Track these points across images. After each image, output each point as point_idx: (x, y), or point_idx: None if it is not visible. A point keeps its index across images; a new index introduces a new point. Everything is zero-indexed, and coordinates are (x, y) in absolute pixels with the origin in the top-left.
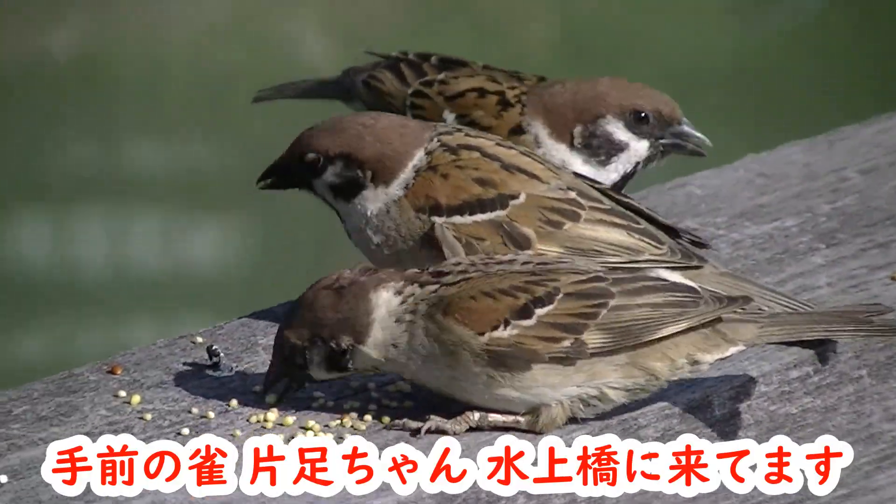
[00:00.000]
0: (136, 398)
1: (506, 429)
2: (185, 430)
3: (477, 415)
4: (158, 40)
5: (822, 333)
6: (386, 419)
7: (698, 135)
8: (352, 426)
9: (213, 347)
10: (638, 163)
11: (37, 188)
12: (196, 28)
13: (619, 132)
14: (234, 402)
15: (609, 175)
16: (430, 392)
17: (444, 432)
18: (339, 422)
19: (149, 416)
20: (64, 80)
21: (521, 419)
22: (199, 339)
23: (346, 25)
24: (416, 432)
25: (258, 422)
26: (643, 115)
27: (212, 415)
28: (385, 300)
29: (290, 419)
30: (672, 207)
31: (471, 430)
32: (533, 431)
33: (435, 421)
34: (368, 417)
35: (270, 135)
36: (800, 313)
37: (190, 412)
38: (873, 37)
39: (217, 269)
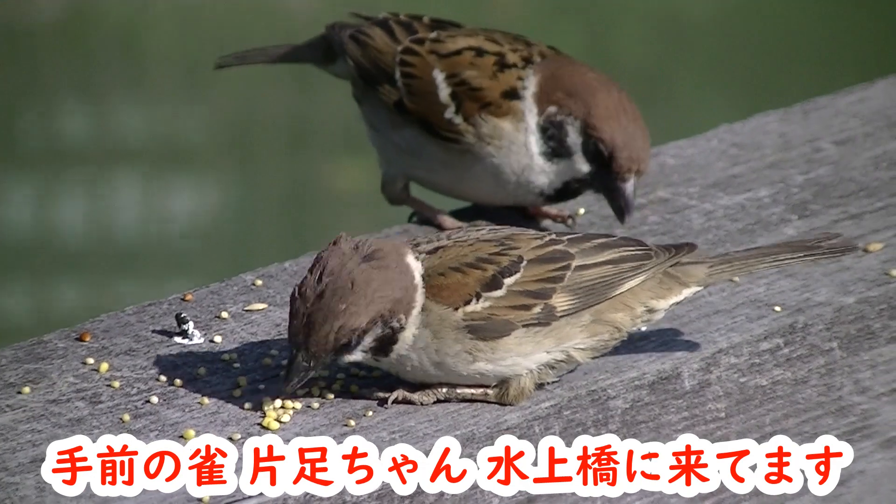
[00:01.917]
0: (104, 365)
1: (474, 401)
2: (154, 399)
3: (445, 388)
4: (141, 2)
5: (772, 264)
6: (354, 388)
7: (630, 200)
8: (320, 395)
9: (182, 315)
10: (574, 179)
11: (17, 149)
12: None
13: (572, 141)
14: (202, 370)
15: (548, 175)
16: None
17: (411, 402)
18: (306, 390)
19: (117, 384)
20: (45, 42)
21: (490, 391)
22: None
23: None
24: (383, 402)
25: (226, 390)
26: (600, 149)
27: (179, 383)
28: (416, 267)
29: (259, 388)
30: (645, 177)
31: (438, 401)
32: (501, 403)
33: (402, 391)
34: (336, 387)
35: (251, 98)
36: (747, 248)
37: (158, 380)
38: (854, 5)
39: (195, 234)
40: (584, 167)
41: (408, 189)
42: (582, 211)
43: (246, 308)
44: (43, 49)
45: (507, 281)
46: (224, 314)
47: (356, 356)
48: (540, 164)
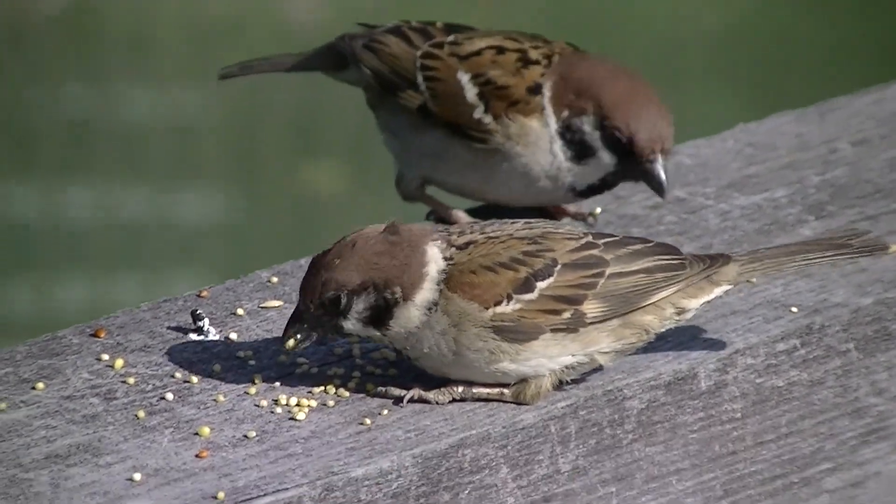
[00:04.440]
0: (119, 362)
1: (489, 400)
2: (169, 395)
3: (461, 387)
4: None
5: (802, 263)
6: (370, 387)
7: (662, 179)
8: (335, 393)
9: (198, 312)
10: (608, 174)
11: (24, 142)
12: None
13: (592, 138)
14: (217, 367)
15: (576, 175)
16: None
17: (426, 402)
18: (322, 388)
19: (132, 381)
20: (51, 35)
21: (507, 391)
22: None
23: None
24: (398, 401)
25: (242, 387)
26: (617, 137)
27: (195, 380)
28: (434, 257)
29: (274, 385)
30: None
31: (454, 401)
32: (518, 402)
33: (418, 390)
34: (352, 385)
35: (258, 90)
36: (777, 246)
37: (173, 377)
38: (866, 6)
39: (205, 228)
40: (609, 160)
41: (423, 187)
42: (598, 210)
43: (262, 305)
44: (49, 41)
45: (540, 284)
46: (240, 311)
47: (351, 323)
48: (568, 167)
